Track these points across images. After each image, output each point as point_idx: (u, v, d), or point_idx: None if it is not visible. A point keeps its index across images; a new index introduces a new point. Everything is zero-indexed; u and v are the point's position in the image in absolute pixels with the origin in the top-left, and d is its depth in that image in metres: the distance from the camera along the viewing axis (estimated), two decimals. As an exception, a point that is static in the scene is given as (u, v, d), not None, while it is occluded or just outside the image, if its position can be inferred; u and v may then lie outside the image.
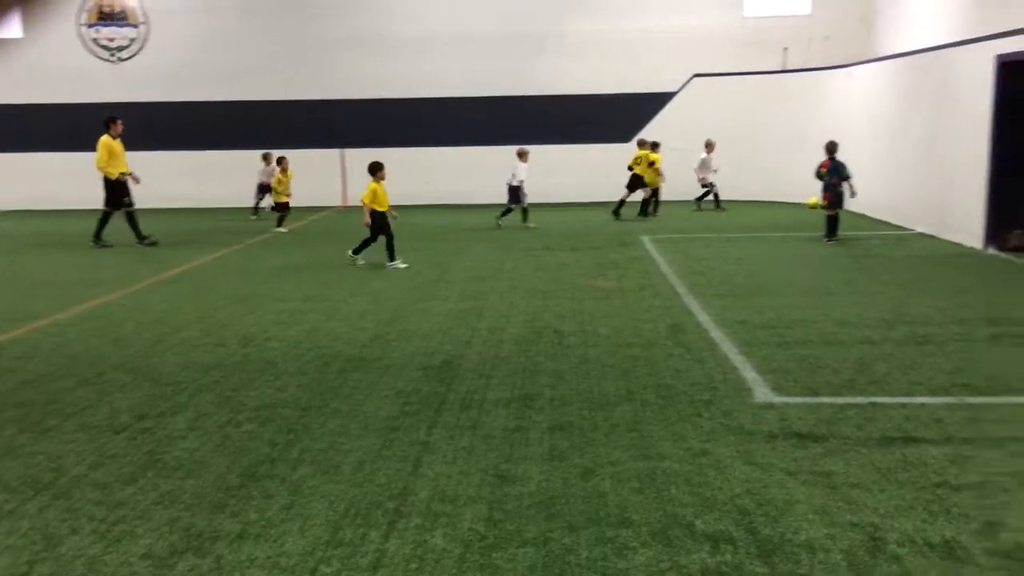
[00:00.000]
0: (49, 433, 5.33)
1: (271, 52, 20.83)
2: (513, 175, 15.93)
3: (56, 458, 4.91)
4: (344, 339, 7.64)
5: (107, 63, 21.15)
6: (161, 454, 4.94)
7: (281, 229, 15.95)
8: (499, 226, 15.84)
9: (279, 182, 16.04)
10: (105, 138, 14.02)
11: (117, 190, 14.16)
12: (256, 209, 18.60)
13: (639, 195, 17.23)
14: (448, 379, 6.35)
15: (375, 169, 11.76)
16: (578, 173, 20.01)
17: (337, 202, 21.21)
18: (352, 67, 20.74)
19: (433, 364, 6.77)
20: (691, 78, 20.25)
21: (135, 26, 21.00)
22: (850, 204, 17.71)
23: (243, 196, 19.51)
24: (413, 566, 3.62)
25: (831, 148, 13.54)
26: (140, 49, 21.05)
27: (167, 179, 19.65)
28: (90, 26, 21.05)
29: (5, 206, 21.05)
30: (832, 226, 13.30)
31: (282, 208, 16.10)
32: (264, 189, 18.10)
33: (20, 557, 3.74)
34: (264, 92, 20.86)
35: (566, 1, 20.54)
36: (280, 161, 16.36)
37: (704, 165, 18.19)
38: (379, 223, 11.61)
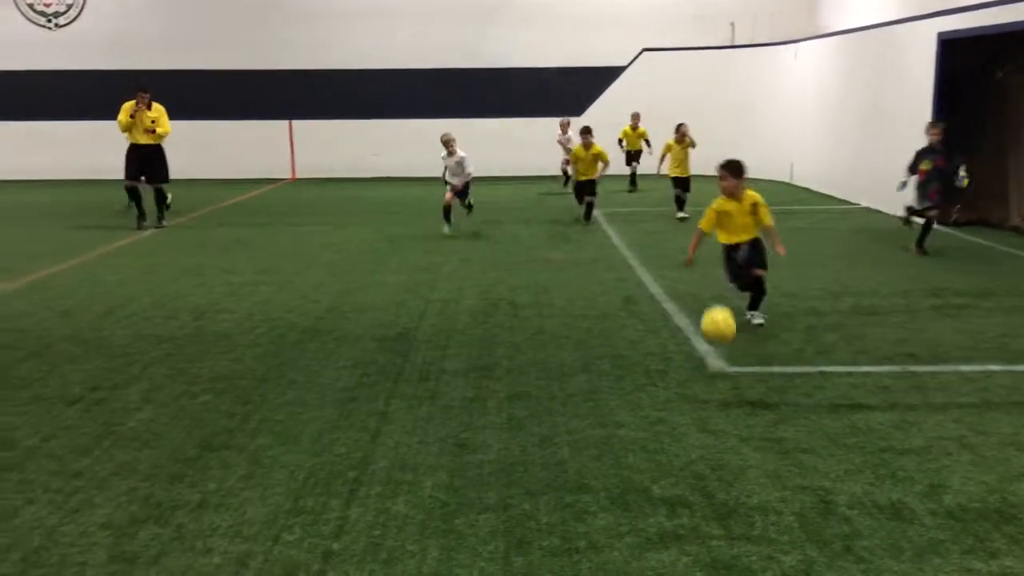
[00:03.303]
0: (1, 405, 5.22)
1: (216, 21, 20.33)
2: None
3: (9, 430, 4.82)
4: (298, 311, 7.58)
5: (44, 29, 20.44)
6: (116, 425, 4.87)
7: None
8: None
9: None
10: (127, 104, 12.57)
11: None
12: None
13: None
14: (404, 350, 6.35)
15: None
16: (528, 147, 19.99)
17: (287, 174, 20.91)
18: (299, 37, 20.36)
19: (389, 336, 6.77)
20: (640, 52, 20.34)
21: (73, -10, 20.31)
22: (796, 178, 18.03)
23: (188, 168, 19.11)
24: (376, 532, 3.65)
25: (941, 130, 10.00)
26: (78, 15, 20.38)
27: (107, 149, 19.14)
28: (26, -10, 20.31)
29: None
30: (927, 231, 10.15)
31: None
32: None
33: (-26, 530, 3.68)
34: (208, 62, 20.39)
35: (517, -28, 20.44)
36: None
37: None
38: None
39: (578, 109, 19.60)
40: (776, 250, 6.77)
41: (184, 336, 6.79)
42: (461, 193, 12.24)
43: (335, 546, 3.54)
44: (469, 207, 12.63)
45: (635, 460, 4.37)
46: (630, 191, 17.17)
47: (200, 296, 8.19)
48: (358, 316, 7.39)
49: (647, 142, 17.49)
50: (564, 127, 17.27)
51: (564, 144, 16.89)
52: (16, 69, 20.04)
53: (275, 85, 20.63)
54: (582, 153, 12.96)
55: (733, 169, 6.76)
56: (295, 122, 20.86)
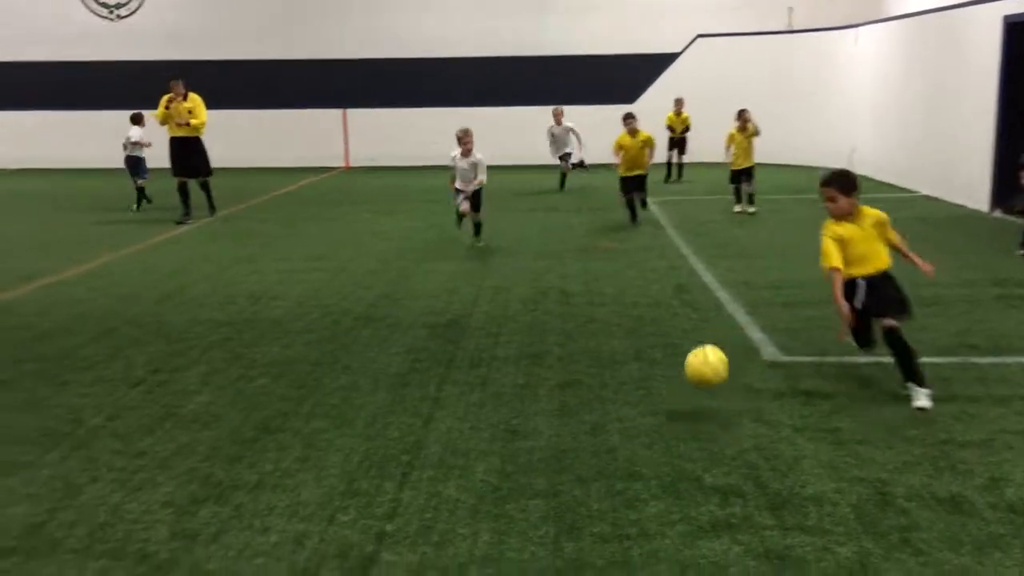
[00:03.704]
0: (67, 386, 5.39)
1: (271, 11, 20.62)
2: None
3: (74, 410, 4.97)
4: (351, 298, 7.68)
5: (106, 20, 20.92)
6: (177, 407, 5.00)
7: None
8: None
9: None
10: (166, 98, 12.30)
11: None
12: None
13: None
14: (456, 337, 6.40)
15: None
16: (581, 133, 19.90)
17: (340, 163, 21.15)
18: (355, 26, 20.54)
19: (440, 322, 6.81)
20: (694, 38, 20.08)
21: (135, -17, 20.76)
22: (855, 165, 17.63)
23: (243, 156, 19.48)
24: (428, 515, 3.69)
25: None
26: (139, 7, 20.83)
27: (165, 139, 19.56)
28: (91, -17, 20.82)
29: (4, 164, 20.92)
30: None
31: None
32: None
33: (41, 505, 3.81)
34: (264, 51, 20.69)
35: (571, -40, 20.33)
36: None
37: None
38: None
39: (631, 96, 19.44)
40: (922, 269, 5.10)
41: (241, 321, 6.92)
42: (473, 204, 10.05)
43: (388, 528, 3.59)
44: (477, 229, 10.23)
45: (687, 449, 4.35)
46: (667, 181, 16.70)
47: (255, 283, 8.34)
48: (410, 303, 7.46)
49: (687, 129, 17.05)
50: (558, 117, 15.78)
51: (556, 136, 15.64)
52: (79, 60, 20.56)
53: (330, 74, 20.85)
54: (628, 141, 11.44)
55: (843, 184, 4.96)
56: (349, 111, 21.05)
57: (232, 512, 3.73)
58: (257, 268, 9.05)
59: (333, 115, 21.04)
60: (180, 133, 12.31)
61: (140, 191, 13.82)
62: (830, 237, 4.96)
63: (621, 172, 11.63)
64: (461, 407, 4.97)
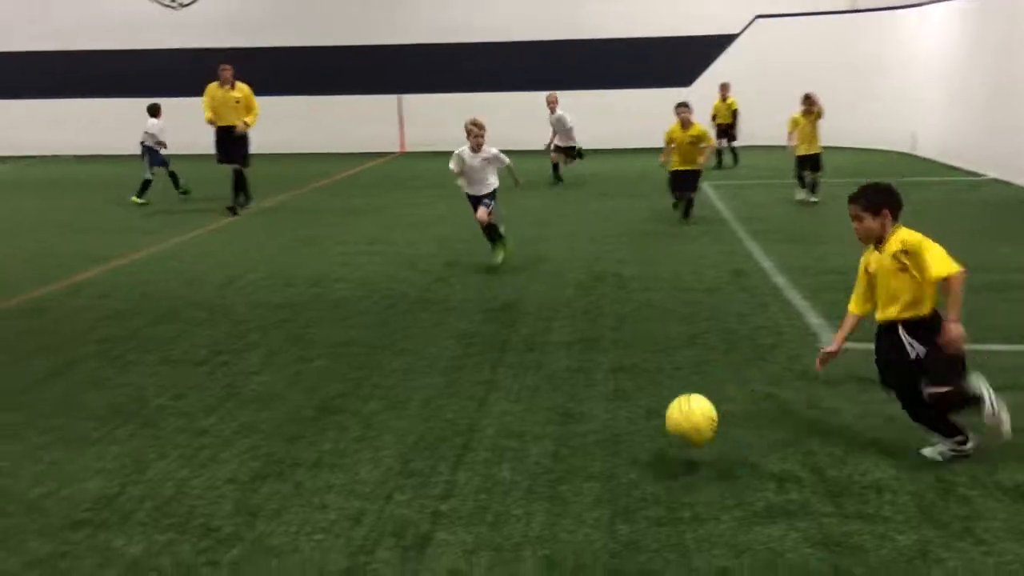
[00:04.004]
0: (132, 366, 5.56)
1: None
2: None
3: (140, 389, 5.13)
4: (408, 281, 7.76)
5: (168, 9, 21.32)
6: (239, 387, 5.12)
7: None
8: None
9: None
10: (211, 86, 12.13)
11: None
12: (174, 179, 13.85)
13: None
14: (510, 321, 6.43)
15: None
16: (636, 119, 19.73)
17: (396, 147, 21.31)
18: (409, 12, 20.65)
19: (494, 307, 6.85)
20: (753, 19, 19.73)
21: (196, -28, 21.11)
22: (918, 148, 17.17)
23: (299, 142, 19.75)
24: (483, 496, 3.73)
25: None
26: (201, -5, 21.18)
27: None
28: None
29: (63, 151, 21.44)
30: None
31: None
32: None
33: (113, 479, 3.95)
34: (321, 38, 20.91)
35: (626, -59, 20.10)
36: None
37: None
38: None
39: (686, 80, 19.19)
40: (946, 331, 3.77)
41: (300, 304, 7.05)
42: (488, 201, 8.08)
43: (443, 507, 3.64)
44: (494, 234, 8.21)
45: (743, 434, 4.32)
46: (718, 167, 16.22)
47: (314, 266, 8.48)
48: (465, 287, 7.51)
49: (735, 114, 16.56)
50: (552, 104, 14.73)
51: (556, 126, 14.70)
52: (141, 48, 21.02)
53: (384, 60, 21.00)
54: (679, 134, 10.49)
55: (870, 201, 3.93)
56: (404, 96, 21.18)
57: (292, 489, 3.82)
58: (317, 252, 9.20)
59: (388, 101, 21.19)
60: (228, 122, 11.93)
61: (173, 176, 13.51)
62: (862, 269, 4.07)
63: (670, 166, 10.68)
64: (515, 390, 5.00)
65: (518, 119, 20.01)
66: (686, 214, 10.53)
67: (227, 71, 11.95)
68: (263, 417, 4.66)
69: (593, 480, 3.86)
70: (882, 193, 3.93)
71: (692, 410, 3.90)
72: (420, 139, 21.05)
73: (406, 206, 12.39)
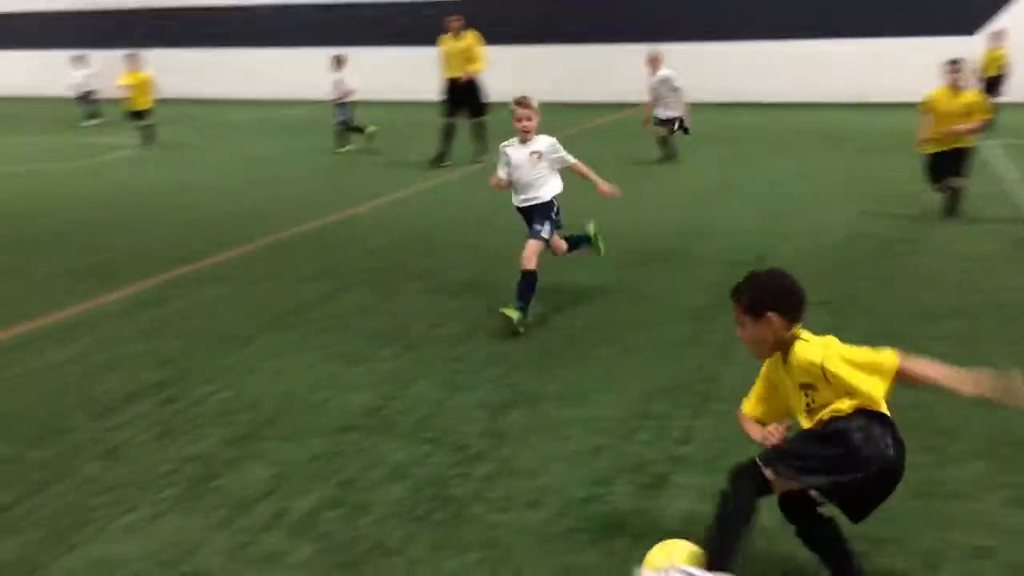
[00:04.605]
0: (396, 295, 6.05)
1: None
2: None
3: (403, 316, 5.58)
4: (649, 233, 7.76)
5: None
6: (489, 320, 5.39)
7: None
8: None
9: None
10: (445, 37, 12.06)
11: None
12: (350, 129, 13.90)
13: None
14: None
15: None
16: (911, 69, 18.17)
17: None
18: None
19: (743, 260, 6.68)
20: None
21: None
22: None
23: (556, 90, 20.02)
24: (721, 445, 3.73)
25: None
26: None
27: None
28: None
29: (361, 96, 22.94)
30: None
31: None
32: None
33: (379, 393, 4.36)
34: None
35: None
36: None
37: None
38: None
39: (970, 27, 17.29)
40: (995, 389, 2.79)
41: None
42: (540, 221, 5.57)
43: (681, 451, 3.68)
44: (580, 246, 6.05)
45: (1014, 413, 3.96)
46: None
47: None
48: (712, 240, 7.41)
49: (1003, 66, 14.74)
50: (655, 63, 11.92)
51: (659, 89, 11.75)
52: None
53: (636, 4, 20.66)
54: (944, 101, 8.01)
55: (748, 301, 2.79)
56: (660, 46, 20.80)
57: (538, 419, 4.02)
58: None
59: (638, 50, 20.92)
60: (454, 73, 11.82)
61: (353, 128, 13.66)
62: (760, 376, 3.02)
63: (925, 148, 8.24)
64: (761, 345, 4.89)
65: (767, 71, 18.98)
66: (951, 210, 8.07)
67: (453, 21, 11.92)
68: (512, 349, 4.91)
69: (840, 442, 3.72)
70: (765, 291, 2.79)
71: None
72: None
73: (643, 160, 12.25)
